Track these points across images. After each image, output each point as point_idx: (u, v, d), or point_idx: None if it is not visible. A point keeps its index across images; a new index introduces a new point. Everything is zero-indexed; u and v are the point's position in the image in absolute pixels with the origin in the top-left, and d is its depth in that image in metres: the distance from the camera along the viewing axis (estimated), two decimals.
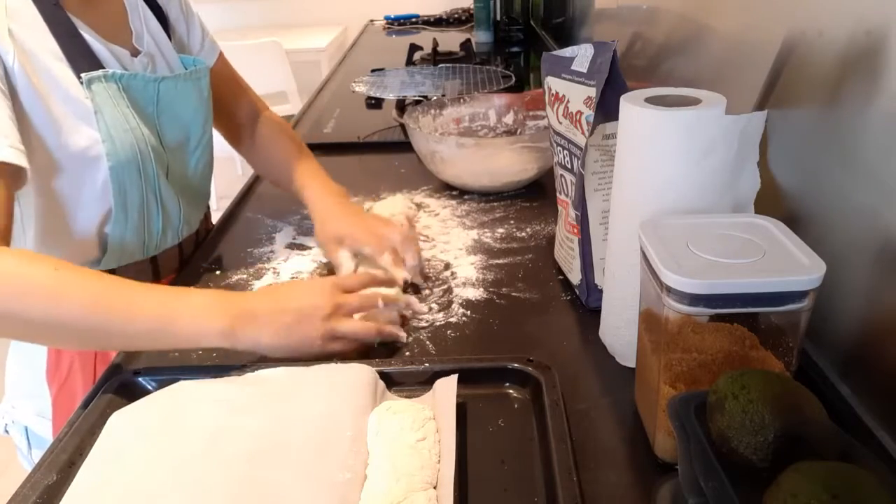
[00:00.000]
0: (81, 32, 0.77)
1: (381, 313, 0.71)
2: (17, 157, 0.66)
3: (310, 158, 1.01)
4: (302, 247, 0.93)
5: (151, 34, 0.87)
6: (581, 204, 0.72)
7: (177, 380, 0.62)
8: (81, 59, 0.76)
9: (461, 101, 1.21)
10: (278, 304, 0.66)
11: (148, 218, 0.85)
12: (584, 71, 0.70)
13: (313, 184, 0.94)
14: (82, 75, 0.75)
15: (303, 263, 0.89)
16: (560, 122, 0.76)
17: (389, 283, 0.77)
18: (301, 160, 0.99)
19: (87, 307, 0.61)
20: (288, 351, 0.65)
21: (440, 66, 1.72)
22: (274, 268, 0.88)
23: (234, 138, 1.06)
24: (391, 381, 0.63)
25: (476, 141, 1.07)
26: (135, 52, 0.83)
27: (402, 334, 0.71)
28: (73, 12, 0.76)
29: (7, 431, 0.92)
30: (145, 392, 0.62)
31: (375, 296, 0.71)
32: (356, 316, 0.69)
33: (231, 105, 1.03)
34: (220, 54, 1.01)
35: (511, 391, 0.62)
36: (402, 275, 0.79)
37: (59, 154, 0.74)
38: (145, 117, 0.82)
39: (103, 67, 0.77)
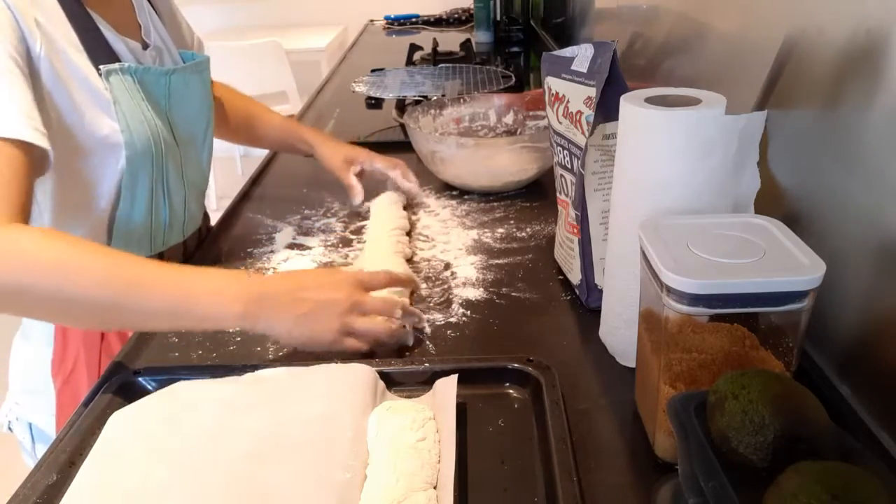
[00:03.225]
0: (98, 26, 0.78)
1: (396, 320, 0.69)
2: (40, 139, 0.66)
3: (270, 109, 1.14)
4: (302, 247, 0.93)
5: (156, 29, 0.88)
6: (581, 204, 0.72)
7: (177, 380, 0.62)
8: (99, 51, 0.77)
9: (461, 101, 1.21)
10: (297, 294, 0.64)
11: (156, 211, 0.86)
12: (584, 71, 0.70)
13: (301, 126, 1.10)
14: (101, 67, 0.76)
15: (303, 263, 0.89)
16: (560, 122, 0.76)
17: (408, 282, 0.77)
18: (269, 111, 1.12)
19: (101, 282, 0.60)
20: (301, 341, 0.65)
21: (440, 66, 1.71)
22: (274, 268, 0.88)
23: None
24: (391, 381, 0.63)
25: (476, 141, 1.07)
26: (144, 46, 0.85)
27: (411, 339, 0.70)
28: (90, 6, 0.77)
29: (10, 429, 0.92)
30: (145, 392, 0.62)
31: (397, 303, 0.69)
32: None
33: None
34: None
35: (511, 391, 0.62)
36: (408, 186, 0.99)
37: (81, 141, 0.75)
38: (158, 111, 0.83)
39: (119, 60, 0.78)
